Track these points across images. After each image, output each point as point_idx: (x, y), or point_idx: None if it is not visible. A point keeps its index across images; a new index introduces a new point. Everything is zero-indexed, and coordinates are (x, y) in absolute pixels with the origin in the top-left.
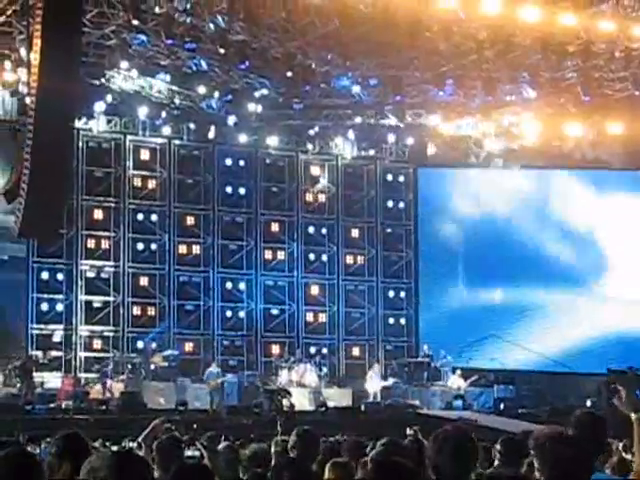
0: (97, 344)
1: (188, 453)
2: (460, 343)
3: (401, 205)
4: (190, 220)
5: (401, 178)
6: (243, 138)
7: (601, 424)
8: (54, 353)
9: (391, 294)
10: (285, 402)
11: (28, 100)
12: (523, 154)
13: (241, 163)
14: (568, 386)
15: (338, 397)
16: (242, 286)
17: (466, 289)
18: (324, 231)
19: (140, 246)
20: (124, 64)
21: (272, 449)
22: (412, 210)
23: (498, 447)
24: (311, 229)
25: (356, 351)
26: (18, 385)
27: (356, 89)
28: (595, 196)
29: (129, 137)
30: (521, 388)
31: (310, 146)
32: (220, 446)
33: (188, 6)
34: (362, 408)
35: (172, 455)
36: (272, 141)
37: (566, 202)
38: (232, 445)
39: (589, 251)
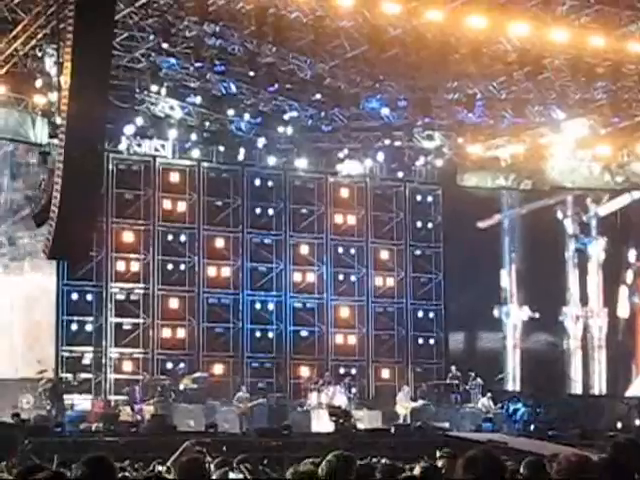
0: (127, 366)
1: (232, 476)
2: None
3: (430, 226)
4: (219, 242)
5: (430, 199)
6: (272, 160)
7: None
8: (84, 375)
9: (420, 315)
10: (347, 425)
11: (59, 123)
12: (552, 175)
13: (270, 185)
14: (598, 408)
15: (368, 419)
16: (271, 308)
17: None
18: (353, 252)
19: (170, 268)
20: (154, 87)
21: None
22: (441, 231)
23: (521, 470)
24: (340, 251)
25: (385, 373)
26: (48, 407)
27: (385, 111)
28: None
29: (159, 160)
30: (551, 410)
31: (339, 168)
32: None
33: (217, 29)
34: (392, 430)
35: (193, 477)
36: (301, 163)
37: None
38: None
39: None
